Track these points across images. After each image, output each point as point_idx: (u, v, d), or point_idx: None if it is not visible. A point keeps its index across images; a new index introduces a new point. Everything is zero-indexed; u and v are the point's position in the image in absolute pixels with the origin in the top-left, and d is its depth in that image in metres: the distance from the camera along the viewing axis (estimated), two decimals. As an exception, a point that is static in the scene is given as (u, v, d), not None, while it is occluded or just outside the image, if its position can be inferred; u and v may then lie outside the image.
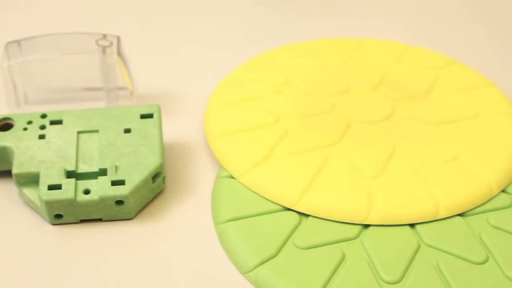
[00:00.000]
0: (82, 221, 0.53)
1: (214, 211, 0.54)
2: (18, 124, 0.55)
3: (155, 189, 0.54)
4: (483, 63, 0.68)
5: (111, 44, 0.58)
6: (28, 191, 0.52)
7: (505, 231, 0.52)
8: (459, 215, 0.53)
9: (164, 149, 0.57)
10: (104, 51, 0.57)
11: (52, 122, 0.56)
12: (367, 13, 0.75)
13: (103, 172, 0.52)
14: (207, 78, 0.64)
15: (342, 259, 0.50)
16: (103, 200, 0.51)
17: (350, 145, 0.56)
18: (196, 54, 0.69)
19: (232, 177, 0.55)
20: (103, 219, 0.53)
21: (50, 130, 0.55)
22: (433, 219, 0.52)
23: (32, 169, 0.52)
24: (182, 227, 0.53)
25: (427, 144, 0.56)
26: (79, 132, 0.55)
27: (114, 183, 0.52)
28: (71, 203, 0.51)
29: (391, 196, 0.52)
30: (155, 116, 0.56)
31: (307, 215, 0.52)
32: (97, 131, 0.55)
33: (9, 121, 0.56)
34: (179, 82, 0.65)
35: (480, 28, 0.74)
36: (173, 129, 0.60)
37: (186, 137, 0.59)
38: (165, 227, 0.53)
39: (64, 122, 0.56)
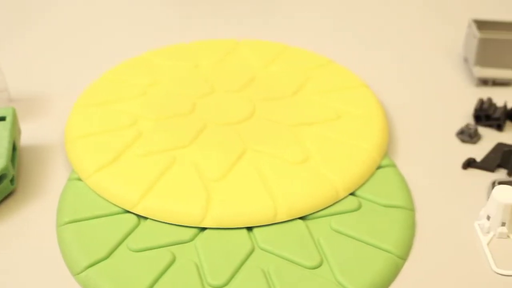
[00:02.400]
0: None
1: (58, 213, 0.54)
2: None
3: (2, 191, 0.54)
4: (364, 65, 0.68)
5: (-26, 47, 0.59)
6: None
7: (345, 235, 0.51)
8: (301, 218, 0.52)
9: (20, 151, 0.58)
10: (-35, 54, 0.58)
11: None
12: (254, 13, 0.75)
13: (-51, 174, 0.53)
14: (80, 81, 0.64)
15: (172, 262, 0.49)
16: None
17: (200, 148, 0.56)
18: (72, 57, 0.69)
19: (80, 180, 0.55)
20: (-50, 220, 0.54)
21: None
22: (271, 223, 0.51)
23: None
24: (27, 229, 0.53)
25: (280, 147, 0.56)
26: None
27: (-42, 184, 0.53)
28: None
29: (230, 199, 0.52)
30: (8, 119, 0.56)
31: (146, 218, 0.52)
32: (-50, 133, 0.56)
33: None
34: (53, 84, 0.65)
35: (366, 31, 0.73)
36: (38, 131, 0.60)
37: (48, 140, 0.59)
38: (10, 229, 0.53)
39: None
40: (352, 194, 0.54)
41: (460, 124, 0.61)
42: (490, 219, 0.54)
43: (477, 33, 0.65)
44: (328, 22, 0.73)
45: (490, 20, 0.67)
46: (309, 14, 0.75)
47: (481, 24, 0.67)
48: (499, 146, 0.59)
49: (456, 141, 0.61)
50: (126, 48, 0.68)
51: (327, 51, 0.67)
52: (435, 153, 0.59)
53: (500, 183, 0.57)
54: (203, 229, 0.52)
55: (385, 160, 0.57)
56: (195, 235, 0.52)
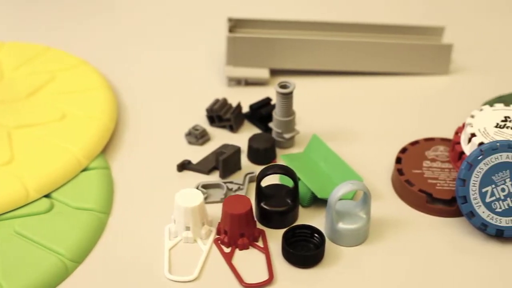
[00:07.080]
0: None
1: None
2: None
3: None
4: (121, 66, 0.67)
5: None
6: None
7: (25, 237, 0.52)
8: (-14, 220, 0.53)
9: None
10: None
11: None
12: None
13: None
14: None
15: None
16: None
17: None
18: None
19: None
20: None
21: None
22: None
23: None
24: None
25: (-12, 149, 0.57)
26: None
27: None
28: None
29: None
30: None
31: None
32: None
33: None
34: None
35: (132, 31, 0.73)
36: None
37: None
38: None
39: None
40: (48, 196, 0.55)
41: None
42: (176, 223, 0.53)
43: (227, 32, 0.63)
44: (92, 22, 0.75)
45: (249, 18, 0.65)
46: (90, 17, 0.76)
47: (241, 23, 0.65)
48: (219, 148, 0.58)
49: (185, 143, 0.60)
50: None
51: (88, 52, 0.68)
52: (158, 155, 0.59)
53: (204, 186, 0.56)
54: None
55: (97, 162, 0.57)
56: None
